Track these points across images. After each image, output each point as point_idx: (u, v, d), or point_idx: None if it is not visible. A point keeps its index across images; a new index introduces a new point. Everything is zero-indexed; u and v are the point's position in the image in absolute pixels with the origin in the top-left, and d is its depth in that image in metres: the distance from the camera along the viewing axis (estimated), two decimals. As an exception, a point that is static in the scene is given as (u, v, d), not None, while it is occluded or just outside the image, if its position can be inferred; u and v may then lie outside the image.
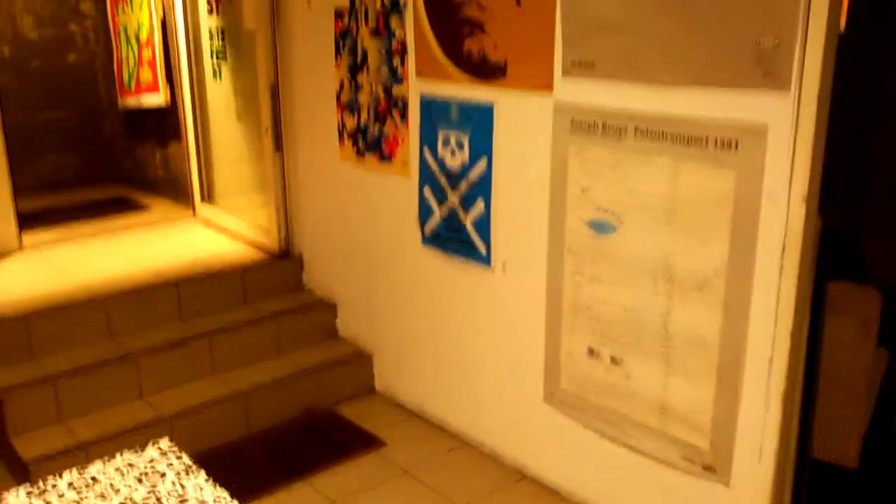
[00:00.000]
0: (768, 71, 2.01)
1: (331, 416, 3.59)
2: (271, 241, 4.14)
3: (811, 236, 2.09)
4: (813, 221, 2.09)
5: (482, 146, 2.89)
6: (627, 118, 2.36)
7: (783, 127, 2.02)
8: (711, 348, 2.28)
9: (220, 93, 4.54)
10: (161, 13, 4.64)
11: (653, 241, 2.36)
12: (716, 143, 2.16)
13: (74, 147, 5.68)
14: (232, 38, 4.31)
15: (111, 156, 5.82)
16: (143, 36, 4.79)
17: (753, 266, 2.15)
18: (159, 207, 5.15)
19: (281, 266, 4.06)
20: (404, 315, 3.51)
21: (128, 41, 5.00)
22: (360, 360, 3.79)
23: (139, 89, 4.97)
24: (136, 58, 4.93)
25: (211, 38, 4.44)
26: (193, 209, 4.90)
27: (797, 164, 2.02)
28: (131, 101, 5.15)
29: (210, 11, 4.39)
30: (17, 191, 4.26)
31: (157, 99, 4.83)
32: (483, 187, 2.91)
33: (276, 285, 3.99)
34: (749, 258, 2.15)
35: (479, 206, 2.94)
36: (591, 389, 2.67)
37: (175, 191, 5.16)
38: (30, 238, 4.37)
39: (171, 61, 4.70)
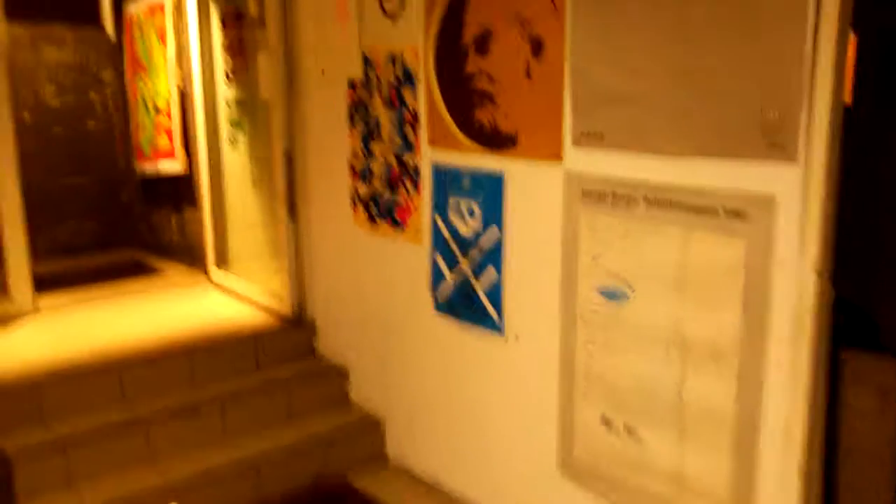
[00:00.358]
0: (774, 142, 2.03)
1: (343, 487, 3.54)
2: (284, 307, 4.16)
3: (825, 305, 2.08)
4: (826, 291, 2.08)
5: (494, 214, 2.91)
6: (637, 188, 2.39)
7: (792, 197, 2.03)
8: (726, 418, 2.26)
9: (236, 160, 4.63)
10: (179, 82, 4.75)
11: (665, 310, 2.36)
12: (725, 212, 2.17)
13: (92, 212, 5.77)
14: (248, 107, 4.40)
15: (128, 221, 5.91)
16: (161, 104, 4.91)
17: (767, 335, 2.14)
18: (173, 272, 5.19)
19: (293, 332, 4.07)
20: (417, 382, 3.49)
21: (146, 109, 5.12)
22: (373, 427, 3.76)
23: (157, 156, 5.07)
24: (154, 125, 5.04)
25: (228, 107, 4.55)
26: (207, 274, 4.93)
27: (807, 234, 2.03)
28: (149, 168, 5.25)
29: (227, 82, 4.50)
30: (35, 254, 4.32)
31: (174, 166, 4.92)
32: (495, 255, 2.93)
33: (288, 351, 3.99)
34: (762, 327, 2.14)
35: (491, 273, 2.96)
36: (606, 459, 2.63)
37: (189, 256, 5.21)
38: (45, 301, 4.42)
39: (189, 129, 4.81)
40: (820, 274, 2.03)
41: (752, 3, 2.03)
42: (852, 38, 1.98)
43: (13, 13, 4.38)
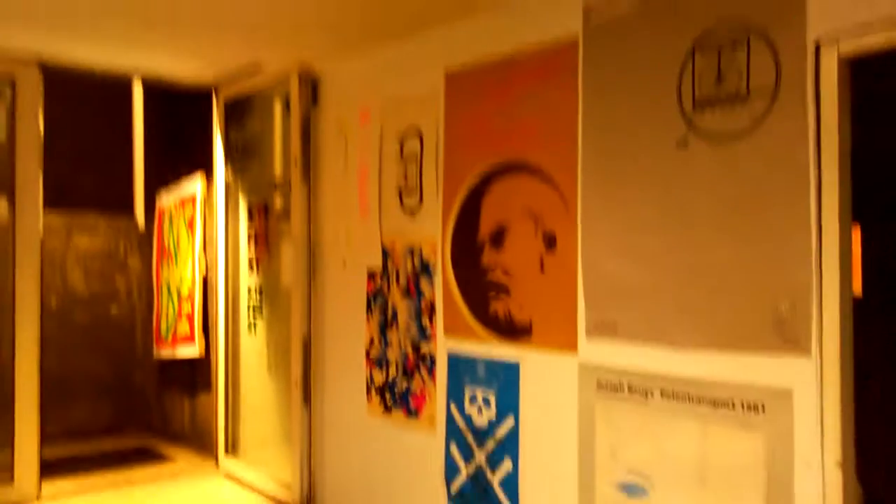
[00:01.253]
0: (787, 337, 2.07)
1: None
2: (293, 496, 4.04)
3: (851, 501, 2.02)
4: (852, 488, 2.02)
5: (509, 404, 2.90)
6: (652, 379, 2.40)
7: (808, 391, 2.04)
8: None
9: (254, 346, 4.68)
10: (204, 270, 4.92)
11: (687, 507, 2.29)
12: (742, 406, 2.17)
13: (106, 396, 5.77)
14: (269, 294, 4.52)
15: (140, 405, 5.88)
16: (185, 291, 5.04)
17: (794, 536, 2.06)
18: (183, 459, 5.10)
19: (301, 523, 3.93)
20: (428, 581, 3.32)
21: (169, 295, 5.26)
22: None
23: (175, 341, 5.14)
24: (176, 311, 5.16)
25: (249, 294, 4.67)
26: (216, 461, 4.84)
27: (827, 427, 2.01)
28: (166, 352, 5.31)
29: (250, 270, 4.66)
30: (45, 437, 4.28)
31: (192, 350, 4.98)
32: (510, 445, 2.89)
33: (295, 545, 3.84)
34: (789, 528, 2.07)
35: (507, 464, 2.90)
36: None
37: (199, 442, 5.14)
38: (49, 487, 4.31)
39: (209, 315, 4.91)
40: (843, 467, 1.99)
41: (756, 205, 2.14)
42: (858, 235, 2.07)
43: (51, 202, 4.63)
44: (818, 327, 2.02)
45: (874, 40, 1.94)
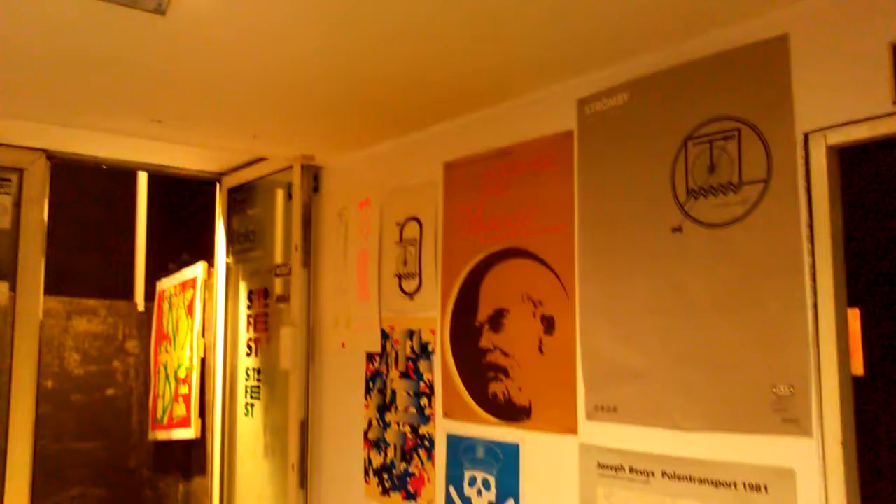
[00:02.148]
0: (787, 418, 2.10)
1: None
2: (288, 585, 3.96)
3: (858, 588, 2.02)
4: (858, 571, 2.03)
5: (509, 486, 2.90)
6: (654, 460, 2.41)
7: (811, 470, 2.05)
8: None
9: (250, 429, 4.65)
10: (202, 353, 4.93)
11: (691, 592, 2.27)
12: (745, 486, 2.18)
13: (99, 478, 5.67)
14: (267, 376, 4.52)
15: (134, 487, 5.78)
16: (182, 374, 5.04)
17: None
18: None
19: None
20: None
21: (167, 378, 5.25)
22: None
23: (171, 424, 5.10)
24: (173, 393, 5.14)
25: (247, 377, 4.67)
26: (210, 548, 4.74)
27: (831, 507, 2.03)
28: (161, 435, 5.26)
29: (248, 353, 4.67)
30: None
31: (187, 433, 4.94)
32: (511, 530, 2.87)
33: None
34: None
35: (508, 550, 2.87)
36: None
37: (193, 528, 5.04)
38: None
39: (206, 398, 4.89)
40: (850, 552, 2.00)
41: (752, 288, 2.20)
42: (857, 317, 2.12)
43: (51, 287, 4.67)
44: (818, 407, 2.06)
45: (859, 132, 2.04)
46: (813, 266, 2.10)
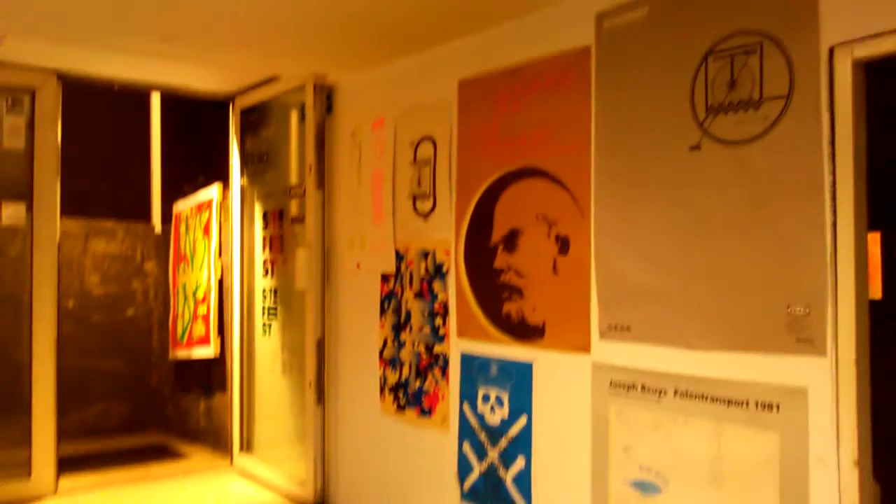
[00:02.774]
0: (802, 338, 2.10)
1: None
2: (306, 493, 4.09)
3: (868, 500, 2.04)
4: (868, 487, 2.05)
5: (522, 403, 2.95)
6: (666, 380, 2.43)
7: (823, 390, 2.06)
8: None
9: (268, 347, 4.74)
10: (220, 274, 4.98)
11: (700, 505, 2.32)
12: (757, 405, 2.20)
13: (122, 395, 5.85)
14: (283, 296, 4.58)
15: (156, 404, 5.95)
16: (200, 294, 5.10)
17: (807, 533, 2.09)
18: (198, 456, 5.17)
19: (315, 521, 3.98)
20: (442, 580, 3.36)
21: (185, 297, 5.32)
22: None
23: (191, 342, 5.20)
24: (192, 313, 5.22)
25: (264, 297, 4.73)
26: (231, 459, 4.90)
27: (843, 426, 2.03)
28: (181, 353, 5.37)
29: (265, 274, 4.72)
30: (62, 435, 4.35)
31: (207, 351, 5.04)
32: (523, 444, 2.93)
33: (310, 543, 3.89)
34: (801, 525, 2.10)
35: (520, 462, 2.94)
36: None
37: (215, 440, 5.20)
38: (66, 483, 4.38)
39: (224, 317, 4.97)
40: (859, 466, 2.02)
41: (771, 207, 2.17)
42: (877, 240, 2.10)
43: (69, 209, 4.70)
44: (833, 328, 2.05)
45: (889, 45, 1.96)
46: (833, 186, 2.06)
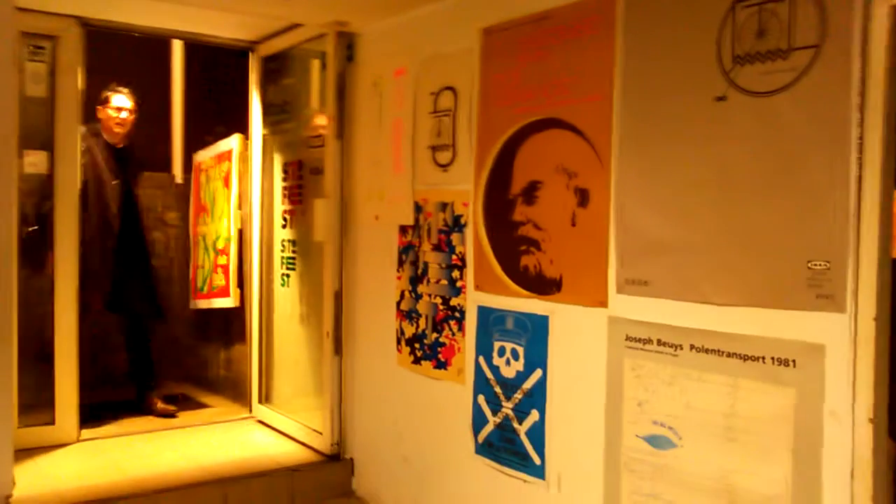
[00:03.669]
0: (822, 293, 2.06)
1: None
2: (323, 444, 4.15)
3: (882, 461, 2.03)
4: (883, 445, 2.03)
5: (537, 357, 2.94)
6: (683, 335, 2.41)
7: (841, 347, 2.03)
8: (780, 579, 2.16)
9: (287, 298, 4.77)
10: (239, 224, 4.99)
11: (713, 459, 2.31)
12: (773, 360, 2.17)
13: (144, 345, 5.90)
14: (302, 247, 4.59)
15: (177, 354, 6.02)
16: (220, 244, 5.13)
17: (821, 491, 2.07)
18: (217, 405, 5.25)
19: (331, 469, 4.04)
20: (454, 528, 3.40)
21: (206, 248, 5.35)
22: (406, 576, 3.63)
23: (211, 293, 5.24)
24: (212, 264, 5.25)
25: (283, 248, 4.74)
26: (250, 409, 4.97)
27: (859, 384, 2.01)
28: (202, 303, 5.42)
29: (284, 225, 4.72)
30: (85, 383, 4.42)
31: (227, 302, 5.08)
32: (538, 397, 2.93)
33: (324, 488, 3.95)
34: (815, 482, 2.08)
35: (534, 416, 2.95)
36: None
37: (234, 390, 5.27)
38: (89, 431, 4.46)
39: (244, 268, 5.00)
40: (874, 423, 2.00)
41: (795, 161, 2.12)
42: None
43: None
44: (853, 285, 2.02)
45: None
46: (861, 138, 2.00)
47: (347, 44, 4.08)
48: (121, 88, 4.89)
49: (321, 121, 4.28)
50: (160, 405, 4.97)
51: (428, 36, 3.56)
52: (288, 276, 4.71)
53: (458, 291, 3.35)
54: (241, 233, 5.01)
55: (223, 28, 4.55)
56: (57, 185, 4.25)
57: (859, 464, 2.01)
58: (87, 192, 4.64)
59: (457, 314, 3.36)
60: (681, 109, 2.41)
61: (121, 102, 4.86)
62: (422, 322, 3.56)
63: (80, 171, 4.46)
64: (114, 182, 4.85)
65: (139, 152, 5.23)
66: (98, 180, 4.76)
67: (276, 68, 4.82)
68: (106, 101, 4.84)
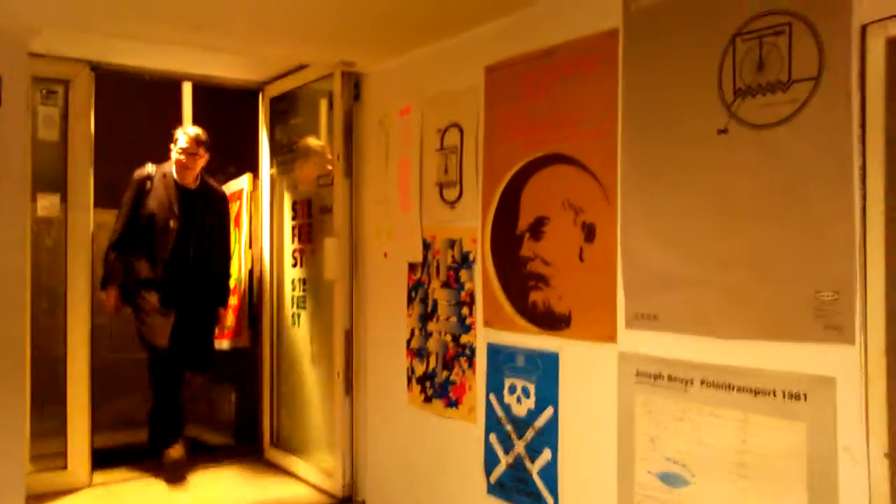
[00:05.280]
0: (830, 325, 2.04)
1: None
2: (335, 486, 4.11)
3: (899, 494, 1.99)
4: (899, 478, 1.99)
5: (548, 394, 2.91)
6: (693, 369, 2.39)
7: (852, 380, 2.00)
8: None
9: (298, 338, 4.76)
10: (250, 264, 5.01)
11: (728, 497, 2.27)
12: (784, 394, 2.14)
13: (156, 387, 5.89)
14: (312, 287, 4.59)
15: (188, 395, 6.00)
16: (231, 284, 5.15)
17: (837, 527, 2.03)
18: (229, 449, 5.22)
19: (344, 512, 4.00)
20: (468, 570, 3.35)
21: (217, 289, 5.36)
22: None
23: (222, 334, 5.24)
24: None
25: (293, 288, 4.75)
26: (262, 451, 4.94)
27: (872, 418, 1.98)
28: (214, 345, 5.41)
29: (294, 265, 4.74)
30: (96, 427, 4.41)
31: (238, 343, 5.08)
32: (550, 435, 2.90)
33: (337, 533, 3.91)
34: (831, 518, 2.04)
35: (546, 455, 2.91)
36: None
37: (245, 432, 5.24)
38: (100, 476, 4.44)
39: (254, 308, 5.00)
40: (890, 458, 1.96)
41: (799, 191, 2.12)
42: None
43: (102, 201, 4.75)
44: (862, 315, 1.99)
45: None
46: (863, 169, 1.99)
47: (354, 83, 4.13)
48: (189, 128, 4.64)
49: (323, 157, 4.32)
50: (173, 455, 4.54)
51: (432, 74, 3.60)
52: (299, 315, 4.71)
53: (467, 328, 3.34)
54: (250, 272, 5.03)
55: (232, 70, 4.62)
56: (70, 227, 4.29)
57: (877, 500, 1.97)
58: (145, 231, 4.50)
59: (467, 351, 3.34)
60: (684, 143, 2.42)
61: (184, 143, 4.58)
62: (432, 360, 3.55)
63: (140, 209, 4.50)
64: (172, 225, 4.57)
65: (210, 195, 4.82)
66: (152, 221, 4.56)
67: (284, 108, 4.88)
68: (175, 141, 4.62)
